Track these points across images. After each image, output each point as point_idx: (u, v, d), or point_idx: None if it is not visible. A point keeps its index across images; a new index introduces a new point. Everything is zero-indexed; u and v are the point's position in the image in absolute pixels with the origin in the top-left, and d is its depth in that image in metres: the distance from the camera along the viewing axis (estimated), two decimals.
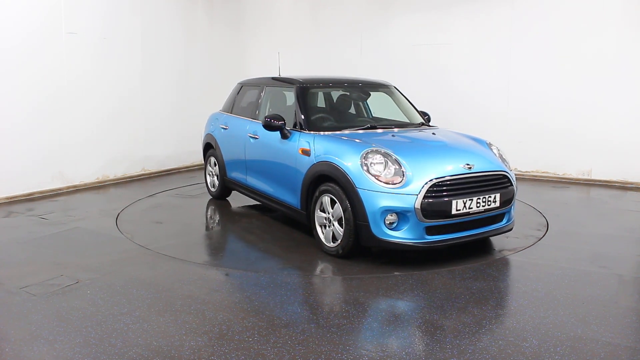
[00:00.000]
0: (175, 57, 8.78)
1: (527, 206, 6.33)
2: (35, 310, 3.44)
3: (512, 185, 4.58)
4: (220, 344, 3.00)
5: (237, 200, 6.59)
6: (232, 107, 6.54)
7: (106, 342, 3.01)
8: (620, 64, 7.38)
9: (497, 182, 4.48)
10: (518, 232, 5.22)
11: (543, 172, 8.12)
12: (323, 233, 4.61)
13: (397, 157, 4.27)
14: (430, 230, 4.19)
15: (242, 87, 6.55)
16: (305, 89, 5.37)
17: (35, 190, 6.75)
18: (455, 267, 4.28)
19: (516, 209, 6.23)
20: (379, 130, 5.06)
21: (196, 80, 9.24)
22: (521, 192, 7.10)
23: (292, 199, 5.00)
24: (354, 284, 3.92)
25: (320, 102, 5.84)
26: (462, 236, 4.36)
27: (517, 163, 8.29)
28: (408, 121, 5.63)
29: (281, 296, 3.72)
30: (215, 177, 6.67)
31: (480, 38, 8.38)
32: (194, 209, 6.45)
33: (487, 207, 4.36)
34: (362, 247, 4.39)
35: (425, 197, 4.09)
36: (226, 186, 6.48)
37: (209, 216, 6.13)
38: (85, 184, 7.37)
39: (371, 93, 5.99)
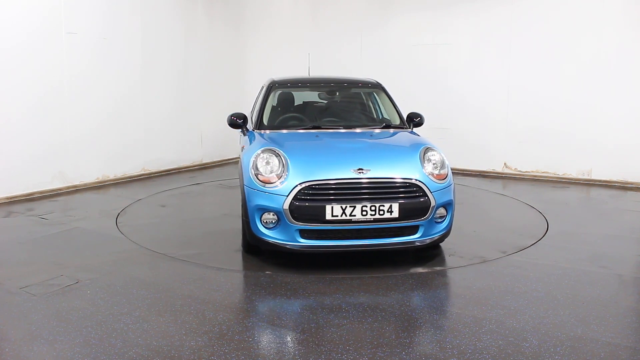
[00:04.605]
0: (175, 56, 8.78)
1: (527, 206, 6.33)
2: (35, 310, 3.44)
3: (424, 197, 4.12)
4: (220, 344, 3.00)
5: None
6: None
7: (106, 342, 3.01)
8: (621, 64, 7.38)
9: (397, 190, 4.09)
10: (518, 233, 5.22)
11: (543, 172, 8.12)
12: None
13: (285, 157, 4.22)
14: (306, 234, 4.08)
15: (263, 86, 6.65)
16: (269, 89, 5.52)
17: (35, 190, 6.75)
18: (455, 267, 4.28)
19: (515, 208, 6.27)
20: (321, 130, 5.03)
21: (196, 80, 9.24)
22: (521, 192, 7.11)
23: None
24: (355, 283, 3.92)
25: (287, 102, 5.79)
26: (344, 245, 4.11)
27: (517, 163, 8.30)
28: (376, 122, 5.51)
29: (281, 296, 3.72)
30: None
31: (480, 38, 8.38)
32: (198, 207, 6.45)
33: (378, 216, 4.02)
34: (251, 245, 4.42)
35: (295, 198, 3.99)
36: None
37: (214, 213, 6.12)
38: (85, 184, 7.37)
39: (355, 92, 5.94)
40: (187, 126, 9.10)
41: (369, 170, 4.10)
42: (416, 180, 4.13)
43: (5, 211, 6.01)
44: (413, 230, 4.20)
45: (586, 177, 7.79)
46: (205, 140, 9.43)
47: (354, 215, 4.00)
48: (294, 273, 4.14)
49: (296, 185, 4.02)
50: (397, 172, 4.17)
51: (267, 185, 4.12)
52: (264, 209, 4.11)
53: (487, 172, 8.48)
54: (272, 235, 4.14)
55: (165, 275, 4.09)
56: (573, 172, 7.90)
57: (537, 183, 7.82)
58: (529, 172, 8.22)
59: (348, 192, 4.04)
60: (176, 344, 3.00)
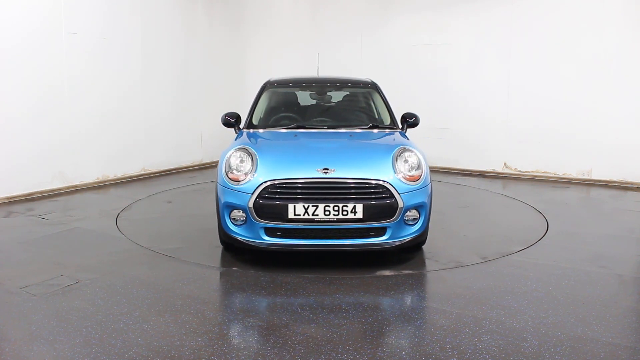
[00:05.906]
0: (175, 57, 8.78)
1: (527, 206, 6.33)
2: (35, 310, 3.44)
3: (391, 198, 4.04)
4: (220, 344, 3.00)
5: None
6: None
7: (106, 342, 3.01)
8: (621, 64, 7.39)
9: (361, 191, 4.03)
10: (517, 233, 5.22)
11: (543, 172, 8.12)
12: None
13: (256, 155, 4.27)
14: (271, 232, 4.12)
15: None
16: (262, 88, 5.62)
17: (35, 190, 6.75)
18: (455, 267, 4.28)
19: (514, 209, 6.27)
20: (304, 130, 5.05)
21: (196, 80, 9.25)
22: (521, 192, 7.11)
23: None
24: (355, 283, 3.92)
25: (279, 102, 5.78)
26: (309, 244, 4.12)
27: (517, 163, 8.31)
28: (364, 122, 5.42)
29: (281, 296, 3.72)
30: None
31: (480, 38, 8.39)
32: (198, 205, 6.44)
33: (342, 217, 3.98)
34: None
35: (260, 196, 4.05)
36: None
37: (213, 210, 6.11)
38: (85, 184, 7.37)
39: (348, 92, 5.93)
40: (187, 126, 9.10)
41: (334, 170, 4.08)
42: (382, 181, 4.06)
43: (5, 211, 6.01)
44: (381, 231, 4.13)
45: (586, 177, 7.79)
46: (205, 141, 9.43)
47: (317, 215, 4.00)
48: (294, 273, 4.14)
49: (261, 184, 4.07)
50: (364, 172, 4.11)
51: (236, 183, 4.19)
52: (233, 207, 4.20)
53: (487, 172, 8.48)
54: (239, 233, 4.22)
55: (165, 275, 4.09)
56: (573, 172, 7.90)
57: (537, 183, 7.82)
58: (529, 172, 8.22)
59: (311, 191, 4.04)
60: (176, 344, 3.00)
